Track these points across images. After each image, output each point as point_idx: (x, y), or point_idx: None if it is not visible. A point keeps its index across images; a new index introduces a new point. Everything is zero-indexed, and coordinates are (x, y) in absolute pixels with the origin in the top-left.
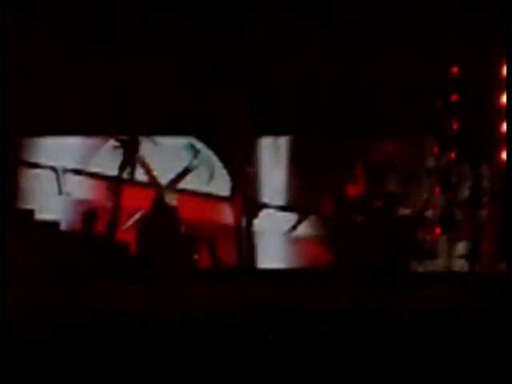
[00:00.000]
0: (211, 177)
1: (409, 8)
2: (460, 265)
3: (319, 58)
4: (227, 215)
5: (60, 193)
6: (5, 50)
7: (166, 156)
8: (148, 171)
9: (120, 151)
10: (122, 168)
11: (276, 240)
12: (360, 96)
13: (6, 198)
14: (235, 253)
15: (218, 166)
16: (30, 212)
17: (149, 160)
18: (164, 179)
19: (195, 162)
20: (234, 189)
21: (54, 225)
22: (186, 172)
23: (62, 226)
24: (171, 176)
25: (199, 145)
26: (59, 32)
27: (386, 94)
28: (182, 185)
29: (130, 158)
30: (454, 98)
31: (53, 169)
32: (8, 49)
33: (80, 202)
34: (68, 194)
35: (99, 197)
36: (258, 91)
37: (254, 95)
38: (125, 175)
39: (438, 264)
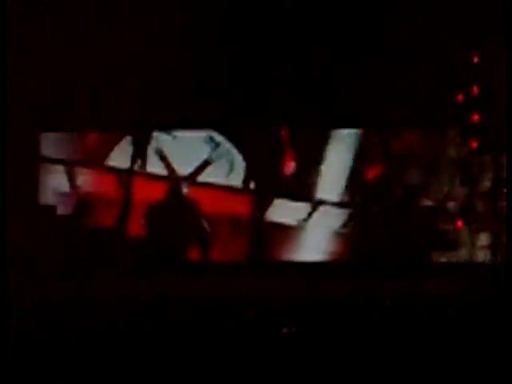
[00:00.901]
0: (231, 169)
1: None
2: (482, 256)
3: (329, 48)
4: (244, 207)
5: (72, 187)
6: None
7: (186, 149)
8: (167, 164)
9: (132, 144)
10: (133, 161)
11: (292, 233)
12: (379, 85)
13: (5, 193)
14: (250, 245)
15: (238, 158)
16: (52, 208)
17: (168, 153)
18: (183, 172)
19: (215, 154)
20: (250, 181)
21: (68, 218)
22: (205, 165)
23: (75, 219)
24: (191, 169)
25: (219, 137)
26: (71, 25)
27: (406, 85)
28: (201, 178)
29: (142, 150)
30: (475, 88)
31: (65, 163)
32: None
33: (90, 195)
34: (79, 188)
35: (110, 190)
36: (276, 82)
37: (274, 86)
38: (136, 168)
39: (460, 255)
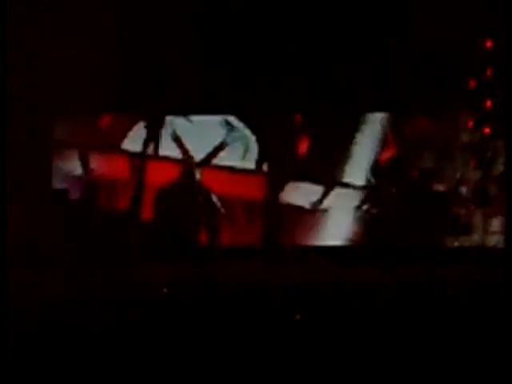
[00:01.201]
0: (246, 152)
1: None
2: (495, 240)
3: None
4: (259, 190)
5: (85, 172)
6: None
7: (201, 132)
8: (182, 147)
9: (145, 127)
10: (146, 144)
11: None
12: (395, 71)
13: (6, 183)
14: (263, 229)
15: (253, 140)
16: (64, 192)
17: (183, 136)
18: (198, 155)
19: (230, 137)
20: (264, 163)
21: (80, 202)
22: (220, 148)
23: (87, 204)
24: (205, 152)
25: (234, 120)
26: (84, 7)
27: (420, 69)
28: (216, 160)
29: (155, 133)
30: (488, 72)
31: (79, 147)
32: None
33: (103, 179)
34: (92, 172)
35: (123, 173)
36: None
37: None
38: (149, 151)
39: (473, 239)
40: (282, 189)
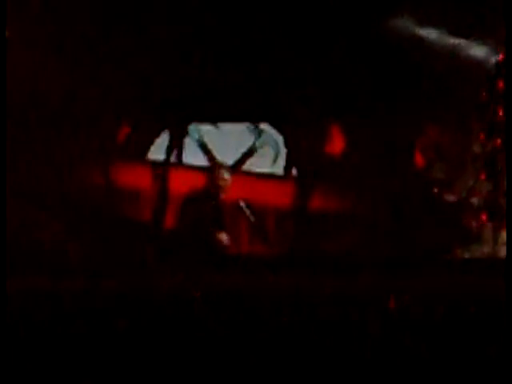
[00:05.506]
0: (276, 157)
1: None
2: (505, 251)
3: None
4: (289, 196)
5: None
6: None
7: (229, 138)
8: (209, 155)
9: (169, 136)
10: (169, 152)
11: None
12: (405, 83)
13: (5, 187)
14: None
15: (282, 144)
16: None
17: (210, 143)
18: (227, 162)
19: (259, 142)
20: (293, 168)
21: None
22: (249, 153)
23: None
24: (234, 159)
25: (264, 125)
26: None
27: (431, 81)
28: (245, 166)
29: (178, 141)
30: (500, 84)
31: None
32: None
33: (126, 188)
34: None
35: (147, 183)
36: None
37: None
38: (173, 159)
39: (484, 250)
40: (311, 194)
